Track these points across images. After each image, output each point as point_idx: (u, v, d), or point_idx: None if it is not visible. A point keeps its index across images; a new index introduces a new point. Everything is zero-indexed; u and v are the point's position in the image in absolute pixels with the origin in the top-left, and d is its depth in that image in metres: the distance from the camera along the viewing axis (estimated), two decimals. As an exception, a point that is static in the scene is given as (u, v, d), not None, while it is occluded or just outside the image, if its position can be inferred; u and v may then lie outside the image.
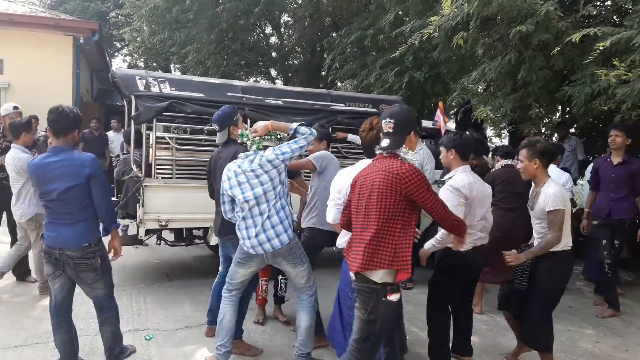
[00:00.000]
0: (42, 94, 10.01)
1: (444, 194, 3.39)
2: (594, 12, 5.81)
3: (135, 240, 5.93)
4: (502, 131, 15.43)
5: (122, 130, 8.44)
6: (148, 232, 5.57)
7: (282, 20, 15.69)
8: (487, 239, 3.67)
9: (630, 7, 5.32)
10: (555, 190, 3.47)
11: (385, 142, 2.74)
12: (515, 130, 7.95)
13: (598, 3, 6.53)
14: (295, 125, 3.51)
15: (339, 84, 12.50)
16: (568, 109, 7.29)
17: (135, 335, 4.26)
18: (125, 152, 6.68)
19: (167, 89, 5.41)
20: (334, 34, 12.24)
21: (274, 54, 15.70)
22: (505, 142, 11.22)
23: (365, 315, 2.73)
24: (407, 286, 5.77)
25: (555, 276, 3.49)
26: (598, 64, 5.03)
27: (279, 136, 3.65)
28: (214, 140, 5.78)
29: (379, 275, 2.66)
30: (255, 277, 4.03)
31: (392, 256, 2.61)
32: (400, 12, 8.16)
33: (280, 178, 3.42)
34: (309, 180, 4.41)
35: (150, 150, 5.48)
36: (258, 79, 17.61)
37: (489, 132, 13.93)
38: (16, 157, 4.93)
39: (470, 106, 8.29)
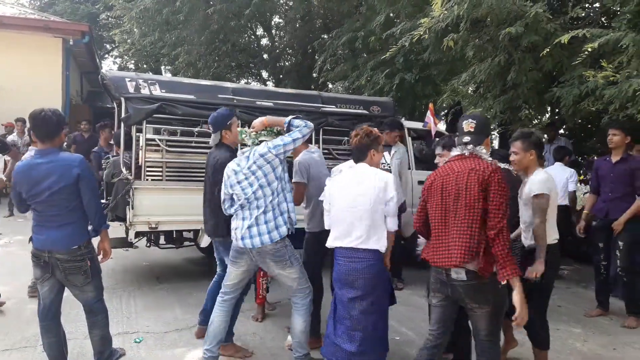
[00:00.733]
0: (31, 96, 9.96)
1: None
2: (583, 14, 5.86)
3: (125, 243, 5.90)
4: (492, 132, 15.56)
5: (112, 132, 8.38)
6: (138, 234, 5.54)
7: (273, 22, 15.69)
8: None
9: (618, 9, 5.37)
10: (542, 176, 3.54)
11: (466, 139, 2.90)
12: (505, 131, 8.01)
13: (586, 5, 6.59)
14: (289, 118, 3.51)
15: (330, 85, 12.52)
16: (557, 110, 7.34)
17: (125, 338, 4.23)
18: (114, 154, 6.64)
19: (157, 91, 5.38)
20: (325, 36, 12.26)
21: (265, 56, 15.69)
22: (495, 143, 11.27)
23: (488, 311, 2.80)
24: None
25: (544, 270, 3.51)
26: (586, 65, 5.08)
27: (274, 131, 3.62)
28: (205, 142, 5.81)
29: (473, 266, 2.73)
30: (246, 286, 4.03)
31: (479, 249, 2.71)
32: (390, 14, 8.19)
33: (276, 173, 3.39)
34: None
35: (140, 152, 5.46)
36: (249, 80, 17.59)
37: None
38: None
39: (461, 107, 8.33)
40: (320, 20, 13.57)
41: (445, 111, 9.87)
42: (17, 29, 11.03)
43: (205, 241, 5.61)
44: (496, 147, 6.07)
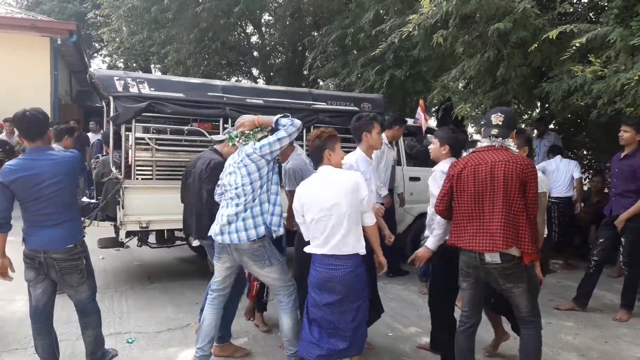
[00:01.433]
0: (18, 95, 9.85)
1: (438, 176, 3.56)
2: (570, 10, 5.89)
3: (115, 243, 5.87)
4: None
5: (101, 131, 8.36)
6: (129, 234, 5.51)
7: (263, 20, 15.63)
8: None
9: (605, 4, 5.41)
10: (540, 175, 3.53)
11: (494, 131, 3.10)
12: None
13: (574, 1, 6.63)
14: (276, 117, 3.47)
15: (320, 82, 12.50)
16: (547, 105, 7.38)
17: (117, 338, 4.21)
18: (104, 153, 6.60)
19: (146, 90, 5.35)
20: (315, 33, 12.23)
21: (255, 53, 15.64)
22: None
23: (524, 287, 3.05)
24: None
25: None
26: (574, 60, 5.10)
27: (268, 129, 3.59)
28: (195, 141, 5.79)
29: (514, 251, 2.96)
30: (241, 281, 4.02)
31: (520, 236, 2.94)
32: (380, 11, 8.19)
33: (261, 173, 3.36)
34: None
35: (130, 151, 5.42)
36: (239, 78, 17.53)
37: (470, 129, 14.07)
38: None
39: (451, 104, 8.35)
40: (310, 18, 13.54)
41: (436, 107, 9.89)
42: (4, 28, 10.91)
43: (196, 240, 5.59)
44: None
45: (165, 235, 6.11)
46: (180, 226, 5.77)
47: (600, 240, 5.19)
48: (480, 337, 4.31)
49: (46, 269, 3.23)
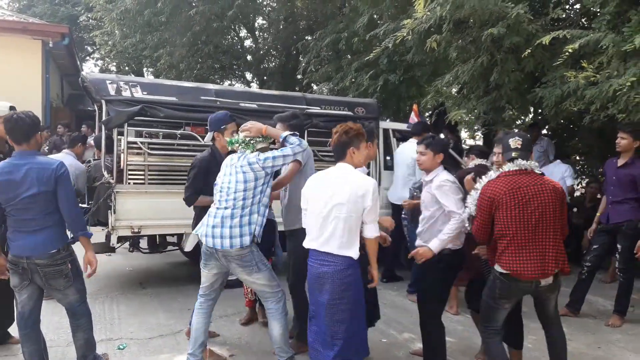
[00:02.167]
0: (10, 99, 9.65)
1: (449, 189, 3.47)
2: (563, 15, 5.91)
3: (107, 248, 5.82)
4: (476, 133, 15.68)
5: (93, 134, 8.32)
6: (120, 239, 5.47)
7: (256, 24, 15.63)
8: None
9: (598, 10, 5.43)
10: None
11: (515, 154, 3.20)
12: (489, 131, 8.06)
13: (567, 7, 6.66)
14: (286, 134, 3.48)
15: (314, 87, 12.50)
16: (540, 110, 7.41)
17: (108, 344, 4.16)
18: (96, 157, 6.55)
19: (138, 93, 5.32)
20: (309, 37, 12.23)
21: (248, 57, 15.62)
22: (480, 143, 11.36)
23: (557, 292, 3.33)
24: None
25: None
26: (567, 66, 5.12)
27: (269, 139, 3.58)
28: (188, 145, 5.76)
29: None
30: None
31: (563, 256, 3.19)
32: (374, 15, 8.19)
33: (257, 184, 3.36)
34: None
35: (122, 155, 5.38)
36: (233, 82, 17.51)
37: (463, 134, 14.12)
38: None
39: (445, 108, 8.37)
40: (304, 22, 13.54)
41: (430, 112, 9.91)
42: (-5, 31, 10.84)
43: (189, 245, 5.55)
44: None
45: (157, 241, 6.06)
46: (172, 231, 5.78)
47: (595, 247, 5.18)
48: (473, 342, 4.32)
49: (30, 275, 3.18)
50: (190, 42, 12.47)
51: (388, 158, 7.06)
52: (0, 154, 3.91)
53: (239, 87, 15.65)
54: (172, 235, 6.02)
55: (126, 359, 3.93)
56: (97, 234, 5.66)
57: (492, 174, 3.34)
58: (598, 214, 5.35)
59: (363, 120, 6.21)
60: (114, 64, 19.06)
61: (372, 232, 3.10)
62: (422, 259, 3.46)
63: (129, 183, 5.42)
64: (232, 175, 3.40)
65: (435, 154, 3.62)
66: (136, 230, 5.31)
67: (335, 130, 3.23)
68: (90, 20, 17.74)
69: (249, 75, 16.89)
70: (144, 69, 18.32)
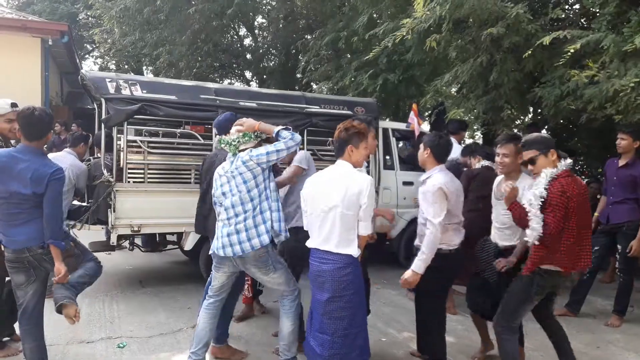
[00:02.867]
0: (9, 97, 9.67)
1: (431, 196, 3.34)
2: (563, 15, 5.92)
3: (107, 246, 5.82)
4: (475, 132, 15.68)
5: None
6: (120, 237, 5.47)
7: (256, 22, 15.62)
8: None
9: (597, 10, 5.44)
10: (531, 182, 3.57)
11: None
12: (488, 131, 8.07)
13: (567, 7, 6.67)
14: (278, 128, 3.44)
15: (314, 86, 12.52)
16: (539, 110, 7.42)
17: (108, 343, 4.17)
18: (95, 156, 6.56)
19: (138, 92, 5.33)
20: (309, 36, 12.24)
21: (248, 56, 15.62)
22: (480, 143, 11.34)
23: None
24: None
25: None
26: (567, 66, 5.13)
27: (254, 136, 3.50)
28: (188, 143, 5.76)
29: None
30: (240, 285, 3.99)
31: None
32: (373, 15, 8.20)
33: (257, 181, 3.34)
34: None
35: (122, 154, 5.38)
36: (232, 81, 17.50)
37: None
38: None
39: (444, 108, 8.37)
40: (304, 21, 13.54)
41: (429, 111, 9.91)
42: (-6, 28, 10.81)
43: (189, 244, 5.56)
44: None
45: (157, 239, 6.06)
46: (172, 230, 5.79)
47: (595, 248, 5.16)
48: (473, 341, 4.33)
49: (39, 266, 3.17)
50: (189, 41, 12.47)
51: (388, 157, 7.07)
52: None
53: (238, 85, 15.65)
54: (172, 233, 6.02)
55: (126, 358, 3.93)
56: (97, 233, 5.69)
57: (552, 172, 3.20)
58: (596, 214, 5.35)
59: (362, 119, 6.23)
60: (114, 62, 19.02)
61: (365, 229, 3.07)
62: (412, 286, 3.38)
63: (129, 181, 5.42)
64: (229, 183, 3.38)
65: (424, 149, 3.57)
66: (136, 228, 5.31)
67: (338, 127, 3.22)
68: (90, 18, 17.71)
69: (248, 74, 16.89)
70: (144, 68, 18.29)
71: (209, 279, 3.97)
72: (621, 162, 4.99)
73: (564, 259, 3.17)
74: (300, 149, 5.78)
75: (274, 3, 13.92)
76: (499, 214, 3.73)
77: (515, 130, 7.97)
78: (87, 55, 23.43)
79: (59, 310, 3.18)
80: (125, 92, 5.26)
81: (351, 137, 3.12)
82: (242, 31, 15.96)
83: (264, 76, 15.16)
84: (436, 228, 3.28)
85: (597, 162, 7.86)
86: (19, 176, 3.05)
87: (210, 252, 3.51)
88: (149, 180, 5.58)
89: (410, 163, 7.11)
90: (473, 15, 5.46)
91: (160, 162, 5.67)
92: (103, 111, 5.24)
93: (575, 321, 5.06)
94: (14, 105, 3.88)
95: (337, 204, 3.00)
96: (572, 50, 4.73)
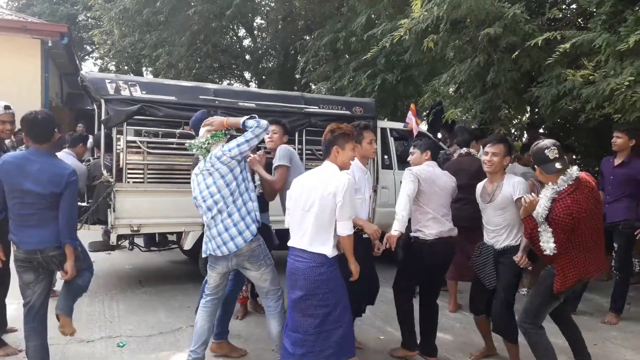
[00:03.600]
0: (9, 98, 9.58)
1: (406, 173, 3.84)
2: (560, 15, 5.95)
3: (107, 246, 5.85)
4: (474, 132, 15.64)
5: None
6: (120, 237, 5.50)
7: (255, 23, 15.65)
8: (456, 231, 3.90)
9: (594, 10, 5.46)
10: (520, 179, 3.66)
11: (559, 165, 3.18)
12: (485, 131, 8.08)
13: (564, 6, 6.70)
14: (244, 119, 3.43)
15: (312, 86, 12.53)
16: (536, 109, 7.44)
17: (108, 342, 4.19)
18: (95, 156, 6.58)
19: (137, 93, 5.35)
20: (307, 37, 12.26)
21: (247, 57, 15.64)
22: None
23: None
24: None
25: (514, 269, 3.61)
26: (563, 65, 5.15)
27: (222, 133, 3.50)
28: (187, 143, 5.78)
29: None
30: (240, 282, 4.03)
31: None
32: (371, 15, 8.23)
33: (234, 174, 3.35)
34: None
35: (121, 154, 5.41)
36: (231, 81, 17.52)
37: (461, 133, 14.11)
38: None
39: (442, 107, 8.40)
40: (302, 21, 13.56)
41: (427, 111, 9.95)
42: (-6, 30, 10.84)
43: (188, 243, 5.58)
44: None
45: (157, 239, 6.09)
46: (172, 229, 5.81)
47: None
48: (471, 339, 4.36)
49: (46, 266, 3.23)
50: (189, 42, 12.50)
51: (386, 157, 7.10)
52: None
53: (237, 86, 15.67)
54: (172, 233, 6.05)
55: (126, 357, 3.95)
56: (97, 233, 5.71)
57: (554, 189, 3.19)
58: None
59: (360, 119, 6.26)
60: (113, 63, 19.04)
61: (343, 229, 3.05)
62: (392, 243, 3.59)
63: (129, 182, 5.45)
64: (206, 181, 3.39)
65: (422, 153, 4.06)
66: (135, 228, 5.34)
67: (325, 129, 3.29)
68: (89, 20, 17.75)
69: (247, 75, 16.91)
70: (143, 69, 18.33)
71: (205, 277, 4.01)
72: (617, 161, 5.02)
73: (584, 266, 3.23)
74: (298, 148, 5.84)
75: (272, 4, 13.95)
76: (490, 217, 3.76)
77: (513, 130, 8.00)
78: (86, 57, 23.46)
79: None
80: (125, 93, 5.28)
81: (337, 138, 3.18)
82: (241, 32, 16.00)
83: (263, 77, 15.19)
84: (400, 200, 3.71)
85: (594, 161, 7.86)
86: (34, 177, 3.11)
87: (205, 254, 3.52)
88: (148, 180, 5.61)
89: (409, 162, 7.13)
90: (470, 16, 5.49)
91: (159, 162, 5.70)
92: (103, 112, 5.27)
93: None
94: (7, 107, 3.95)
95: (314, 204, 3.04)
96: (561, 50, 4.77)
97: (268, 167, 4.02)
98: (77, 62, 15.20)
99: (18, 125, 3.69)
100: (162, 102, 5.41)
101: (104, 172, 5.35)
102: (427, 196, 3.80)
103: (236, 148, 3.34)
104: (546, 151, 3.20)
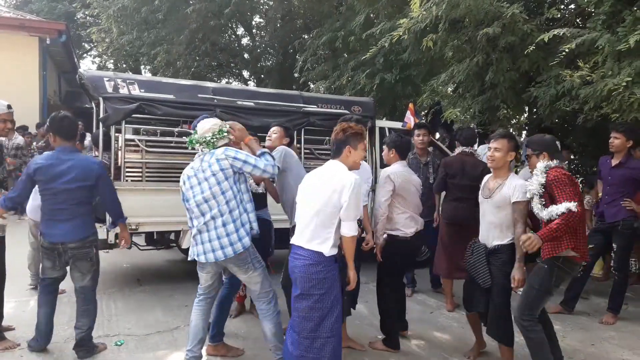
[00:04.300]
0: (7, 96, 9.61)
1: (382, 177, 4.08)
2: (558, 15, 5.95)
3: (105, 245, 5.83)
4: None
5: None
6: (118, 236, 5.48)
7: (253, 22, 15.64)
8: (423, 224, 4.29)
9: (592, 9, 5.47)
10: (522, 182, 3.60)
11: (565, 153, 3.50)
12: (484, 131, 8.10)
13: (562, 6, 6.70)
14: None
15: (311, 85, 12.54)
16: (535, 109, 7.46)
17: (106, 340, 4.17)
18: (93, 155, 6.57)
19: (136, 91, 5.33)
20: (306, 36, 12.27)
21: (245, 55, 15.64)
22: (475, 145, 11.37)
23: None
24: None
25: (504, 270, 3.59)
26: (562, 66, 5.16)
27: (223, 133, 3.48)
28: (185, 142, 5.76)
29: None
30: (236, 284, 4.03)
31: None
32: (370, 15, 8.23)
33: (229, 182, 3.31)
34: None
35: (120, 152, 5.40)
36: (230, 80, 17.51)
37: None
38: None
39: (440, 107, 8.40)
40: (301, 20, 13.57)
41: (425, 111, 9.96)
42: (-8, 27, 10.83)
43: (186, 242, 5.58)
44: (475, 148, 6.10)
45: (155, 237, 6.08)
46: (170, 228, 5.80)
47: (590, 246, 5.21)
48: (468, 338, 4.36)
49: (64, 257, 3.64)
50: (187, 40, 12.49)
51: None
52: None
53: (236, 85, 15.67)
54: (170, 232, 6.04)
55: (124, 356, 3.94)
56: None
57: (548, 164, 3.44)
58: (595, 200, 5.49)
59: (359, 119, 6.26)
60: (111, 61, 19.00)
61: (347, 229, 3.01)
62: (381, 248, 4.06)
63: (127, 180, 5.44)
64: (201, 184, 3.33)
65: (389, 150, 4.21)
66: (134, 227, 5.32)
67: (335, 128, 3.23)
68: (88, 17, 17.72)
69: (246, 74, 16.91)
70: (141, 67, 18.30)
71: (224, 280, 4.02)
72: (614, 162, 5.02)
73: (581, 245, 3.36)
74: (298, 147, 5.83)
75: (271, 3, 13.93)
76: (486, 212, 3.74)
77: (511, 130, 8.01)
78: (85, 54, 23.43)
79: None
80: (123, 91, 5.27)
81: (349, 138, 3.13)
82: (240, 31, 15.99)
83: (262, 75, 15.19)
84: (380, 205, 4.00)
85: (592, 161, 7.89)
86: (67, 174, 3.50)
87: (190, 258, 3.51)
88: (146, 179, 5.61)
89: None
90: (469, 15, 5.49)
91: (158, 161, 5.70)
92: (101, 110, 5.25)
93: (570, 319, 5.10)
94: (9, 107, 4.12)
95: (316, 200, 3.03)
96: (566, 50, 4.77)
97: None
98: (75, 60, 15.20)
99: (17, 124, 3.85)
100: (160, 101, 5.39)
101: (102, 170, 5.34)
102: (403, 198, 4.10)
103: (241, 162, 3.31)
104: (557, 142, 3.53)
